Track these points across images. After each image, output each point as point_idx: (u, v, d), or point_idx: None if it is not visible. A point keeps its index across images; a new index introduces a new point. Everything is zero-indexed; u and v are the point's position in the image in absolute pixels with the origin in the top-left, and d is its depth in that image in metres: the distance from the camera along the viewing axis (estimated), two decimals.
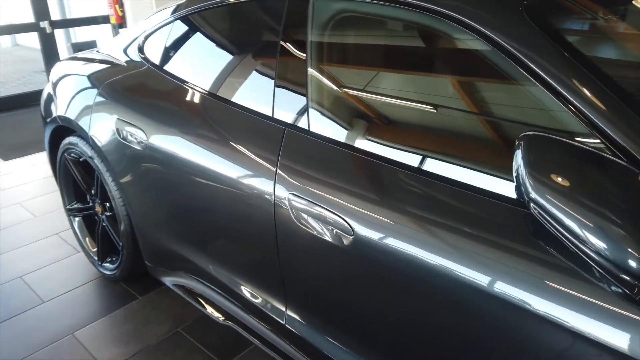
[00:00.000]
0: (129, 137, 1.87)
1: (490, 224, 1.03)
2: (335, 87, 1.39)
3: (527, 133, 0.91)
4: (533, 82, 1.03)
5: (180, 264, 1.96)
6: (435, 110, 1.26)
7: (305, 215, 1.30)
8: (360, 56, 1.40)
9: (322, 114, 1.39)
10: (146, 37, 2.06)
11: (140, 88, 1.94)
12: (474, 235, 1.04)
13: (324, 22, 1.41)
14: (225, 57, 1.73)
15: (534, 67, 1.02)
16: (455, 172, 1.13)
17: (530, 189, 0.87)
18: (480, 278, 1.01)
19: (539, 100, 1.03)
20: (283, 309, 1.55)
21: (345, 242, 1.22)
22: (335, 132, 1.35)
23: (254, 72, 1.59)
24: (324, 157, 1.32)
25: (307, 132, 1.38)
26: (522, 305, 0.95)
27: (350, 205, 1.21)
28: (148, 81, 1.93)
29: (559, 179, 0.85)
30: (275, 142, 1.41)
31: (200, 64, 1.78)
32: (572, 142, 0.88)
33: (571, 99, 0.97)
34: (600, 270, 0.82)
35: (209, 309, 1.91)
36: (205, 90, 1.71)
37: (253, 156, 1.46)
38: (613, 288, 0.83)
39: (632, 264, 0.78)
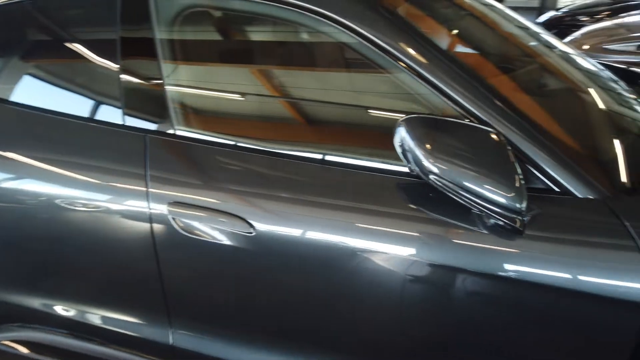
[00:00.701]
0: None
1: (382, 197, 1.16)
2: (199, 84, 1.34)
3: (406, 116, 1.05)
4: (393, 67, 1.18)
5: (5, 315, 1.61)
6: (301, 99, 1.35)
7: (194, 223, 1.23)
8: (219, 52, 1.37)
9: (189, 113, 1.32)
10: None
11: None
12: (371, 210, 1.15)
13: (173, 15, 1.33)
14: (49, 58, 1.47)
15: (395, 52, 1.16)
16: (339, 155, 1.24)
17: (425, 161, 1.01)
18: (387, 250, 1.13)
19: (402, 83, 1.19)
20: (167, 328, 1.43)
21: (246, 240, 1.20)
22: (208, 130, 1.31)
23: (89, 75, 1.40)
24: (201, 158, 1.27)
25: (174, 135, 1.30)
26: (433, 264, 1.11)
27: (246, 203, 1.20)
28: None
29: (445, 147, 1.01)
30: (137, 153, 1.28)
31: (10, 71, 1.47)
32: (444, 117, 1.07)
33: (432, 79, 1.14)
34: (492, 215, 1.01)
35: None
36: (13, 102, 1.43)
37: (107, 173, 1.30)
38: (502, 227, 1.04)
39: (504, 201, 0.99)
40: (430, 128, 1.03)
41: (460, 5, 1.61)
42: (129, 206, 1.29)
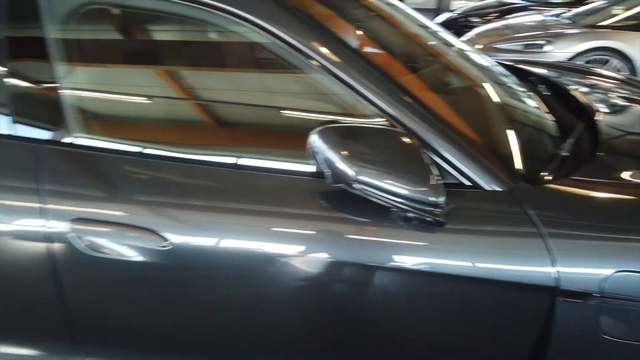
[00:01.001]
0: None
1: (301, 200, 1.14)
2: (100, 87, 1.24)
3: (321, 127, 1.04)
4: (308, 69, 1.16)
5: None
6: (213, 101, 1.30)
7: (101, 241, 1.13)
8: (123, 52, 1.28)
9: (89, 119, 1.22)
10: None
11: None
12: (290, 214, 1.13)
13: (68, 12, 1.22)
14: None
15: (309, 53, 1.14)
16: (254, 158, 1.22)
17: (344, 171, 1.00)
18: (310, 251, 1.11)
19: (317, 84, 1.19)
20: (74, 356, 1.31)
21: (160, 254, 1.13)
22: (112, 137, 1.22)
23: None
24: (106, 168, 1.18)
25: (72, 145, 1.19)
26: (348, 263, 1.11)
27: (158, 214, 1.13)
28: None
29: (361, 154, 1.02)
30: (29, 165, 1.16)
31: None
32: (356, 124, 1.08)
33: (349, 81, 1.13)
34: (412, 211, 1.04)
35: None
36: None
37: None
38: (423, 222, 1.07)
39: (422, 197, 1.02)
40: (345, 136, 1.04)
41: (368, 6, 1.64)
42: (21, 226, 1.16)
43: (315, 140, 1.02)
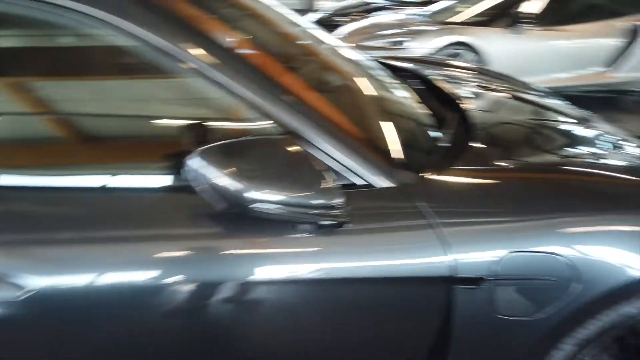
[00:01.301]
0: None
1: (184, 220, 1.03)
2: None
3: (200, 149, 0.94)
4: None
5: None
6: (70, 115, 1.15)
7: None
8: None
9: None
10: None
11: None
12: (172, 235, 1.02)
13: None
14: None
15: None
16: (124, 176, 1.10)
17: (232, 193, 0.92)
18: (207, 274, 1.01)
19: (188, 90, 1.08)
20: None
21: (14, 306, 0.94)
22: None
23: None
24: None
25: None
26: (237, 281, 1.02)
27: (5, 257, 0.94)
28: None
29: (248, 171, 0.94)
30: None
31: None
32: (237, 139, 0.99)
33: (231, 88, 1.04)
34: (309, 218, 0.98)
35: None
36: None
37: None
38: (320, 227, 1.01)
39: (311, 201, 0.96)
40: (227, 155, 0.95)
41: (242, 6, 1.55)
42: None
43: (195, 163, 0.92)
